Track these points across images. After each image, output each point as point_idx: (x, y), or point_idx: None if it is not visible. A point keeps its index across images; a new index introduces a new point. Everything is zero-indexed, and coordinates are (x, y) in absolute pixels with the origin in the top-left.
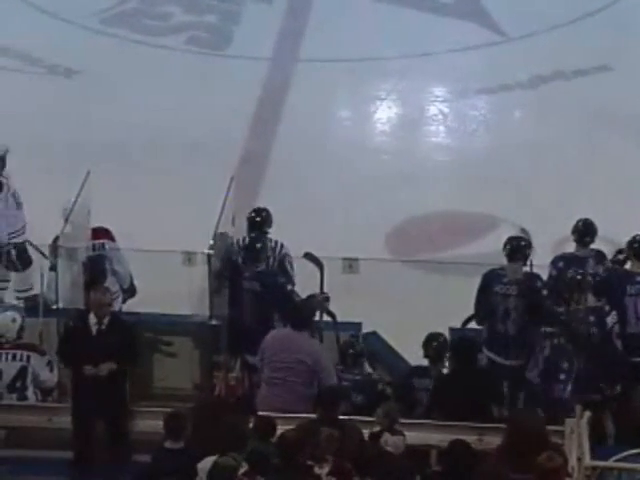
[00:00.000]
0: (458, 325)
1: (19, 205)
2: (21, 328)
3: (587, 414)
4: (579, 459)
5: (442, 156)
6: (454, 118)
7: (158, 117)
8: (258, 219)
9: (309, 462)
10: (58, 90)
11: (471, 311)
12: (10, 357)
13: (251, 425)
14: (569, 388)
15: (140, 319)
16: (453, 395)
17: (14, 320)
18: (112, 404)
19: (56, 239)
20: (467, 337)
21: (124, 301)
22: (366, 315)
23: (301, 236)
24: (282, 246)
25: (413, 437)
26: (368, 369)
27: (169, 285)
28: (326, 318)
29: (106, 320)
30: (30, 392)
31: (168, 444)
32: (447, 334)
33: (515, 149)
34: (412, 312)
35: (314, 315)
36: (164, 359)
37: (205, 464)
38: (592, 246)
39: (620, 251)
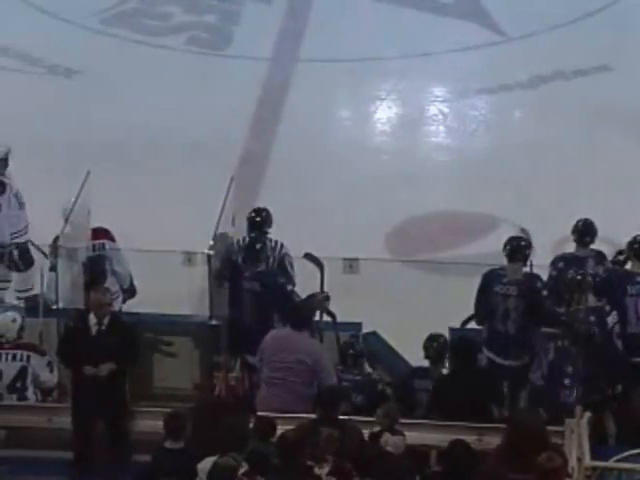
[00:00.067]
0: (458, 325)
1: (22, 205)
2: (21, 328)
3: (587, 414)
4: (579, 459)
5: (442, 156)
6: (454, 118)
7: (158, 117)
8: (258, 219)
9: (309, 462)
10: (58, 90)
11: (471, 311)
12: (10, 357)
13: (251, 425)
14: (575, 393)
15: (140, 319)
16: (453, 395)
17: (14, 320)
18: (112, 404)
19: (56, 239)
20: (467, 337)
21: (124, 301)
22: (366, 315)
23: (301, 236)
24: (282, 246)
25: (413, 437)
26: (368, 369)
27: (169, 285)
28: (326, 318)
29: (106, 320)
30: (30, 392)
31: (168, 444)
32: (447, 334)
33: (515, 149)
34: (412, 312)
35: (314, 315)
36: (164, 359)
37: (205, 464)
38: (592, 246)
39: (620, 252)
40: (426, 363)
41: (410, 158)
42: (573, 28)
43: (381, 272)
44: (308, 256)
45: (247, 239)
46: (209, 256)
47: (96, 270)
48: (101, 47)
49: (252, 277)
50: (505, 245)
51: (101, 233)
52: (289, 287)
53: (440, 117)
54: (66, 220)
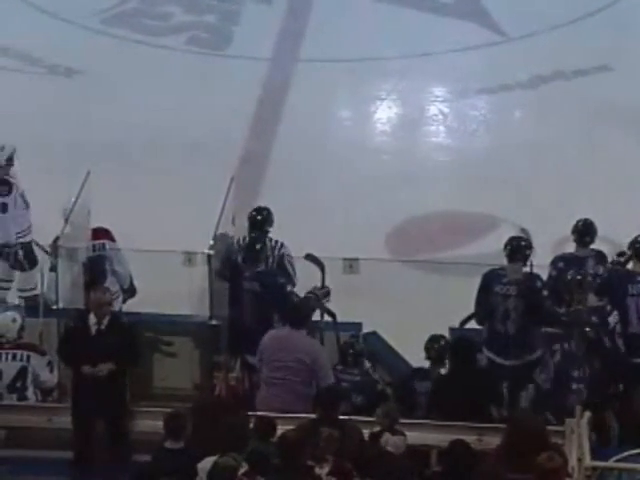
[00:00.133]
0: (457, 325)
1: (27, 205)
2: (21, 328)
3: (587, 414)
4: (579, 459)
5: (442, 156)
6: (454, 118)
7: (158, 117)
8: (259, 218)
9: (309, 462)
10: (58, 90)
11: (471, 311)
12: (10, 357)
13: (251, 425)
14: (583, 397)
15: (140, 319)
16: (452, 395)
17: (14, 320)
18: (112, 404)
19: (56, 239)
20: (466, 337)
21: (124, 301)
22: (366, 315)
23: (301, 236)
24: (282, 245)
25: (413, 437)
26: (369, 369)
27: (169, 285)
28: (327, 318)
29: (106, 320)
30: (30, 392)
31: (168, 444)
32: (447, 334)
33: (515, 149)
34: (412, 312)
35: (312, 313)
36: (164, 359)
37: (205, 464)
38: (592, 246)
39: (621, 254)
40: (426, 363)
41: (410, 158)
42: (573, 28)
43: (381, 272)
44: (309, 257)
45: (247, 239)
46: (209, 256)
47: (96, 270)
48: (101, 47)
49: (252, 277)
50: (505, 245)
51: (101, 233)
52: (289, 288)
53: (440, 117)
54: (66, 220)
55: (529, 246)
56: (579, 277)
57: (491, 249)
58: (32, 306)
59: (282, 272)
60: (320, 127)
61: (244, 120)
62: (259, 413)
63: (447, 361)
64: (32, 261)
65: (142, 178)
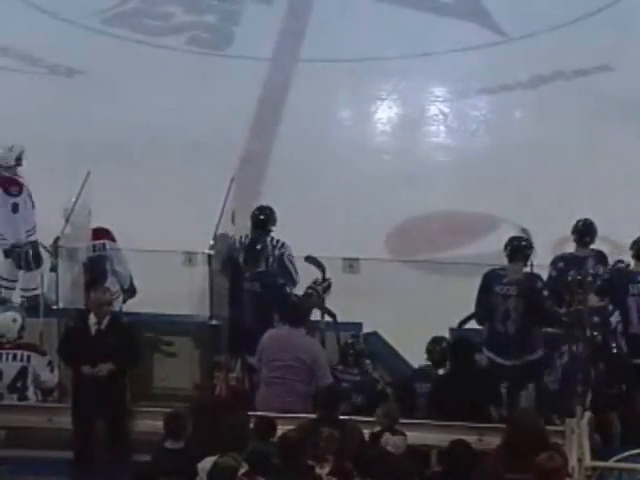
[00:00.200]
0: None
1: (33, 205)
2: (22, 328)
3: (587, 414)
4: (579, 459)
5: (442, 156)
6: (454, 118)
7: (159, 117)
8: (262, 217)
9: (310, 462)
10: (59, 90)
11: (471, 311)
12: (11, 357)
13: (251, 425)
14: (589, 400)
15: (140, 319)
16: (451, 395)
17: (15, 320)
18: (112, 404)
19: (57, 239)
20: (465, 337)
21: (124, 301)
22: (366, 315)
23: (302, 236)
24: (282, 245)
25: (413, 437)
26: (370, 369)
27: (169, 285)
28: (327, 318)
29: (106, 320)
30: (30, 392)
31: (168, 444)
32: (447, 334)
33: (515, 149)
34: (412, 312)
35: (311, 312)
36: (164, 359)
37: (205, 464)
38: (592, 246)
39: (620, 261)
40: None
41: (411, 158)
42: (573, 28)
43: (381, 272)
44: (309, 259)
45: (249, 238)
46: (209, 256)
47: (96, 270)
48: (102, 47)
49: (252, 278)
50: (506, 245)
51: (102, 233)
52: (289, 288)
53: (440, 117)
54: (67, 220)
55: (529, 246)
56: (579, 277)
57: (491, 249)
58: (32, 306)
59: (282, 272)
60: (320, 127)
61: (244, 120)
62: (259, 413)
63: (447, 361)
64: (38, 260)
65: (143, 178)
